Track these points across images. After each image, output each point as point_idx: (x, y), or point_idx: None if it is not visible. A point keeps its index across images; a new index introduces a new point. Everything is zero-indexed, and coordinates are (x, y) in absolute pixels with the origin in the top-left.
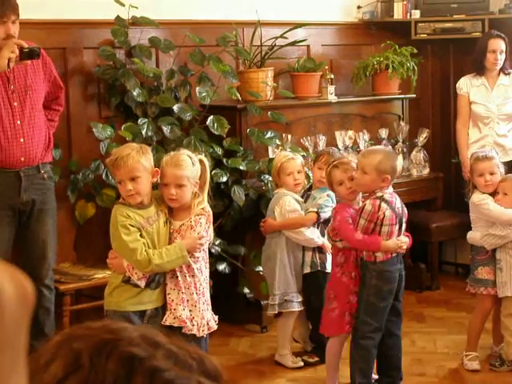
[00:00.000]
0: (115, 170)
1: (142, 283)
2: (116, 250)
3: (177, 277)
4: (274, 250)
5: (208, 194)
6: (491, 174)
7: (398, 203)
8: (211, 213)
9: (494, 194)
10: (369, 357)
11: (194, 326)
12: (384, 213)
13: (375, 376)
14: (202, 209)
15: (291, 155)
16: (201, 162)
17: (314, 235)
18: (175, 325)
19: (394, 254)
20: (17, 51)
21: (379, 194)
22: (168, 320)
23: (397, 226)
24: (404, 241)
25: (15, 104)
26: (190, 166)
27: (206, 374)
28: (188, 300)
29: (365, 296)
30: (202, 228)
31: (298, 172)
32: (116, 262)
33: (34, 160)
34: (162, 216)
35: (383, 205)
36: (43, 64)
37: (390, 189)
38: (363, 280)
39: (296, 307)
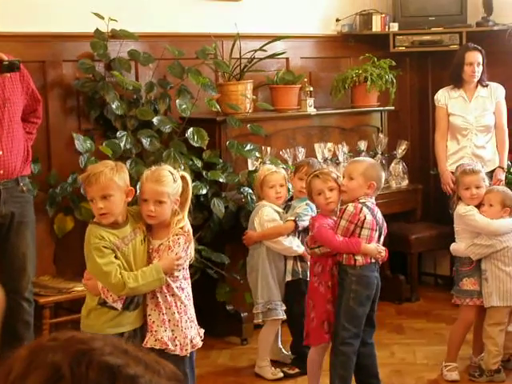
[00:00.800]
0: (87, 187)
1: (119, 305)
2: (91, 272)
3: (157, 297)
4: (257, 261)
5: (189, 210)
6: (477, 187)
7: (379, 214)
8: (191, 231)
9: (478, 206)
10: (349, 363)
11: (176, 346)
12: (365, 215)
13: None
14: (181, 228)
15: (275, 168)
16: (183, 178)
17: (292, 244)
18: (157, 347)
19: (372, 260)
20: None
21: (362, 201)
22: (149, 342)
23: (376, 234)
24: (383, 248)
25: None
26: (171, 182)
27: (170, 378)
28: (170, 320)
29: (344, 301)
30: (180, 248)
31: (281, 185)
32: (91, 283)
33: (12, 173)
34: (140, 234)
35: (365, 209)
36: (21, 77)
37: (373, 199)
38: (342, 285)
39: (280, 315)
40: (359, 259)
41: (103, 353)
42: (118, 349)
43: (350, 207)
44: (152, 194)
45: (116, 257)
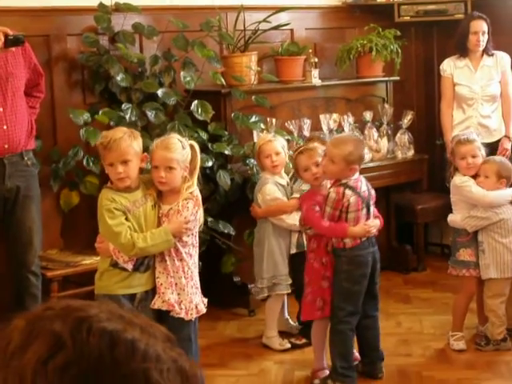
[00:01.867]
0: (107, 153)
1: (130, 266)
2: (102, 234)
3: (165, 261)
4: (263, 235)
5: (198, 179)
6: (473, 156)
7: (363, 187)
8: (200, 197)
9: (474, 177)
10: (347, 340)
11: (182, 309)
12: (349, 200)
13: (358, 356)
14: (191, 193)
15: (270, 137)
16: (191, 146)
17: (296, 221)
18: (163, 308)
19: (363, 239)
20: (2, 38)
21: (343, 181)
22: (156, 304)
23: (364, 211)
24: (373, 224)
25: None
26: (180, 149)
27: (164, 340)
28: (176, 284)
29: (337, 282)
30: (189, 212)
31: (276, 154)
32: (103, 246)
33: (17, 147)
34: (150, 200)
35: (347, 191)
36: (23, 51)
37: (356, 174)
38: (335, 267)
39: (285, 290)
40: (348, 242)
41: (100, 319)
42: (114, 314)
43: (332, 194)
44: (162, 161)
45: (127, 219)
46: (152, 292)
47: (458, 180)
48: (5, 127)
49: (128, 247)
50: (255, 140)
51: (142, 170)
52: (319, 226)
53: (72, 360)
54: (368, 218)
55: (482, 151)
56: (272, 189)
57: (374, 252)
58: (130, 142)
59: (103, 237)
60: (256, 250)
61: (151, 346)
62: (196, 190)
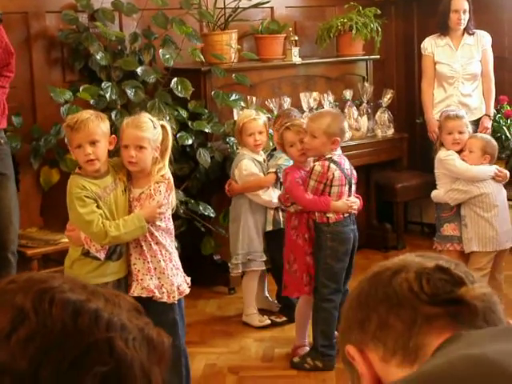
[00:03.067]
0: (74, 134)
1: (102, 255)
2: (73, 222)
3: (141, 246)
4: (239, 212)
5: (170, 161)
6: (460, 132)
7: (346, 165)
8: (172, 179)
9: (459, 153)
10: (330, 319)
11: (163, 293)
12: (333, 173)
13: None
14: (162, 176)
15: (254, 115)
16: (163, 127)
17: (272, 197)
18: (143, 295)
19: (346, 215)
20: None
21: (328, 156)
22: (136, 291)
23: (346, 187)
24: (354, 201)
25: None
26: (151, 128)
27: (129, 309)
28: (155, 268)
29: (322, 259)
30: (161, 196)
31: (260, 133)
32: (74, 234)
33: None
34: (120, 185)
35: (332, 165)
36: None
37: (339, 151)
38: (318, 242)
39: (259, 266)
40: (331, 216)
41: (63, 290)
42: (77, 285)
43: (318, 167)
44: (132, 140)
45: (98, 206)
46: (125, 279)
47: (442, 154)
48: None
49: (100, 236)
50: (235, 118)
51: (110, 153)
52: (303, 199)
53: (35, 332)
54: (349, 196)
55: (469, 128)
56: (249, 164)
57: (354, 230)
58: (98, 123)
59: (74, 225)
60: (231, 227)
61: (116, 315)
62: (168, 173)
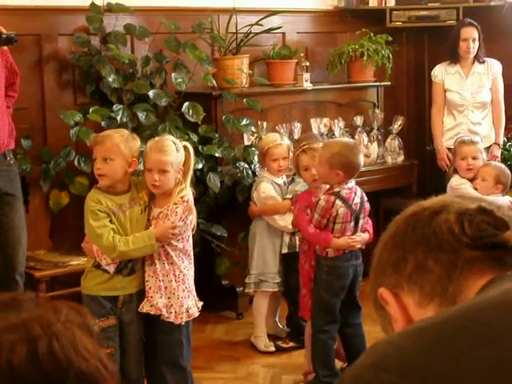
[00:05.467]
0: (94, 146)
1: (111, 269)
2: (87, 234)
3: (155, 264)
4: (255, 232)
5: (191, 181)
6: (474, 158)
7: (356, 199)
8: (191, 201)
9: (472, 181)
10: (327, 349)
11: (171, 313)
12: (337, 210)
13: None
14: (181, 197)
15: (279, 140)
16: (185, 148)
17: (288, 223)
18: (151, 313)
19: (346, 251)
20: None
21: (336, 190)
22: (145, 307)
23: (352, 224)
24: (358, 239)
25: None
26: (174, 151)
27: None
28: (166, 287)
29: (316, 291)
30: (177, 217)
31: (284, 158)
32: (88, 246)
33: (1, 147)
34: (140, 203)
35: (338, 202)
36: (0, 50)
37: (351, 183)
38: (316, 273)
39: (271, 287)
40: (330, 251)
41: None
42: None
43: (322, 201)
44: (156, 164)
45: (111, 221)
46: (137, 295)
47: (454, 181)
48: None
49: (109, 249)
50: (246, 143)
51: (132, 174)
52: (305, 231)
53: None
54: (355, 231)
55: (484, 155)
56: (267, 187)
57: (356, 265)
58: (118, 142)
59: (88, 237)
60: (249, 246)
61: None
62: (188, 194)
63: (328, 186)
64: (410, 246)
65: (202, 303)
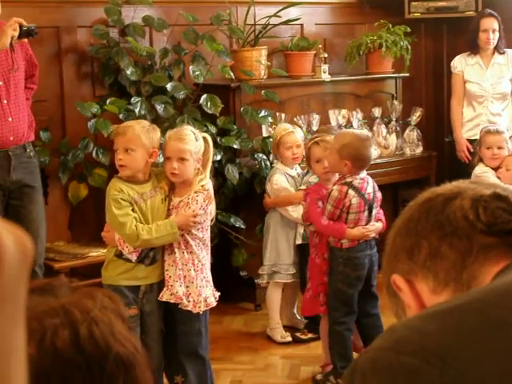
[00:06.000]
0: (115, 137)
1: (134, 257)
2: (108, 223)
3: (175, 253)
4: (269, 223)
5: (210, 171)
6: (499, 148)
7: (369, 188)
8: (211, 190)
9: (496, 170)
10: (344, 340)
11: (189, 302)
12: (350, 200)
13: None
14: (202, 186)
15: (291, 128)
16: (204, 139)
17: (300, 214)
18: (171, 301)
19: (361, 241)
20: (18, 29)
21: (348, 180)
22: (164, 296)
23: (365, 213)
24: (372, 229)
25: (0, 83)
26: (193, 141)
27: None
28: (185, 276)
29: (333, 282)
30: (197, 206)
31: (297, 146)
32: (109, 235)
33: (21, 139)
34: (160, 193)
35: (350, 191)
36: (20, 43)
37: (363, 174)
38: (331, 266)
39: (284, 278)
40: (345, 242)
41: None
42: None
43: (335, 192)
44: (175, 152)
45: (133, 210)
46: (157, 285)
47: (478, 169)
48: (10, 119)
49: (132, 238)
50: (264, 134)
51: (153, 165)
52: (318, 223)
53: None
54: (369, 220)
55: (509, 145)
56: (280, 179)
57: (371, 255)
58: (139, 133)
59: (109, 226)
60: (264, 237)
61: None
62: (208, 184)
63: (338, 177)
64: (424, 232)
65: (219, 293)
